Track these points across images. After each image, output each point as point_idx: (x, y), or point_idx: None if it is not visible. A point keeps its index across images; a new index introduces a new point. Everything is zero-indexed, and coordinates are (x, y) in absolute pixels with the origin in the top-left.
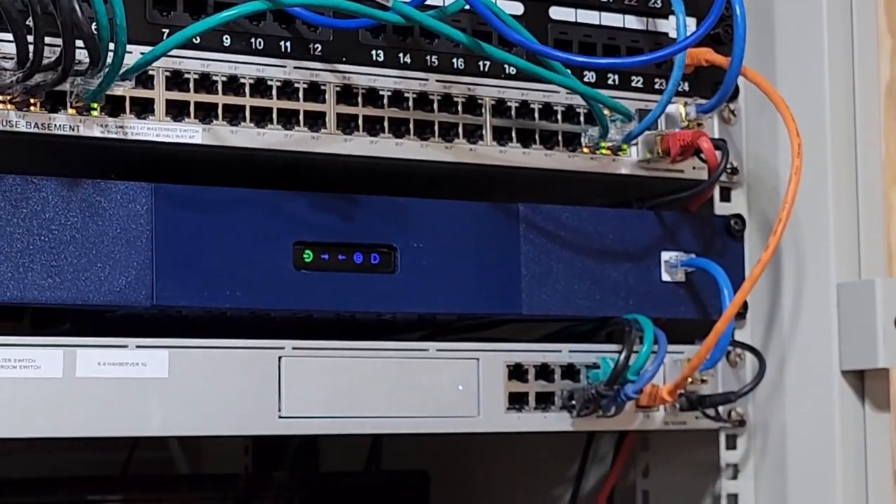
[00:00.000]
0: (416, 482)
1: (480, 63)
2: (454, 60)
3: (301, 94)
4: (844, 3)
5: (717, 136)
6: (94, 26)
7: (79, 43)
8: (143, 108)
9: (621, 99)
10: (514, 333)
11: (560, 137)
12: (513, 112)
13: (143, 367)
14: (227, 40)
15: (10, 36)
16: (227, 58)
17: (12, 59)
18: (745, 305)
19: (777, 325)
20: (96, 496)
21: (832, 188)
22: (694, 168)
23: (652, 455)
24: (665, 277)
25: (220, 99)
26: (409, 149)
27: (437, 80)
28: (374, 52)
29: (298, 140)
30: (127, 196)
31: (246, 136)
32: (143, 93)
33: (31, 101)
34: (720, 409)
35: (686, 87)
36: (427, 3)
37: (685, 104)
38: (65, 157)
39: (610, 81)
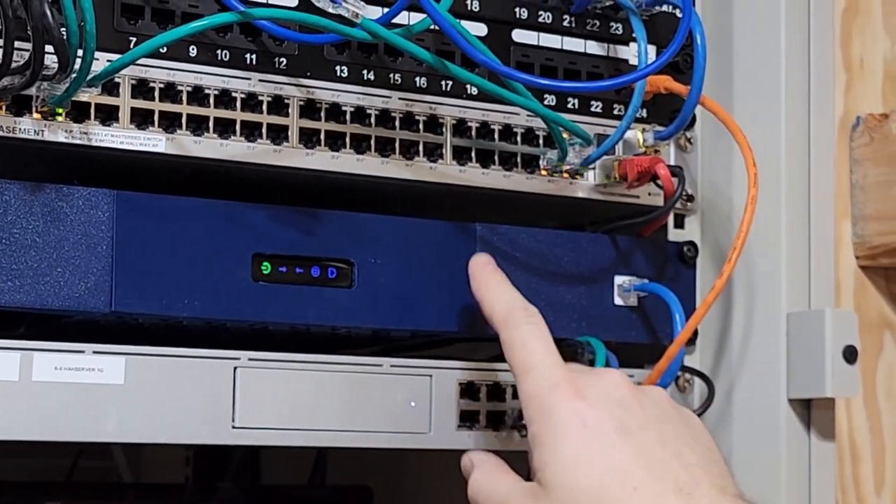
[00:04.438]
0: (360, 498)
1: (443, 82)
2: (417, 79)
3: (265, 107)
4: (802, 37)
5: (673, 163)
6: (63, 31)
7: (48, 48)
8: (108, 116)
9: (580, 123)
10: (465, 353)
11: (519, 159)
12: (473, 132)
13: (99, 372)
14: (192, 51)
15: None
16: (193, 68)
17: None
18: (695, 331)
19: (726, 352)
20: (40, 501)
21: (785, 218)
22: (650, 194)
23: None
24: (618, 301)
25: (185, 109)
26: (370, 165)
27: (399, 98)
28: (338, 67)
29: (261, 152)
30: (89, 202)
31: (209, 147)
32: (108, 100)
33: None
34: None
35: (644, 113)
36: (393, 21)
37: (643, 130)
38: (28, 160)
39: (570, 105)
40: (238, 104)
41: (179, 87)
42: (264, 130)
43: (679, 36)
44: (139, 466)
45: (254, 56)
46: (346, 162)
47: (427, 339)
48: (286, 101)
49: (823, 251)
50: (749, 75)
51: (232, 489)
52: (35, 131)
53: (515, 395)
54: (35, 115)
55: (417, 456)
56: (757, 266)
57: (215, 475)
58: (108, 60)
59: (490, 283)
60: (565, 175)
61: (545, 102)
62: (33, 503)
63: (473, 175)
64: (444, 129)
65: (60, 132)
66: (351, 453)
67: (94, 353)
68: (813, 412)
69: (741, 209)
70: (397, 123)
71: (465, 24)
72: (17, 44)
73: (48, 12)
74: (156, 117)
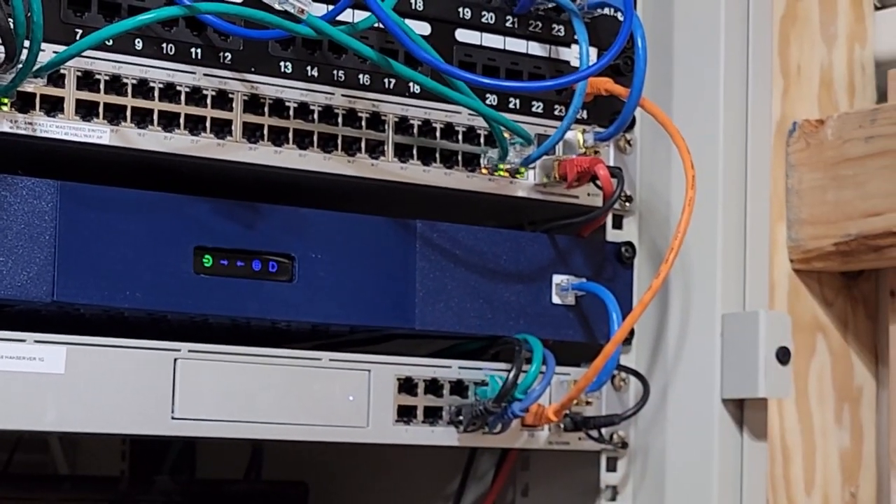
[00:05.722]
0: (296, 493)
1: (386, 80)
2: (360, 76)
3: (209, 101)
4: (741, 42)
5: (612, 164)
6: (10, 22)
7: None
8: (53, 107)
9: (521, 123)
10: (403, 349)
11: (460, 157)
12: (415, 130)
13: (39, 361)
14: (138, 44)
15: None
16: (138, 61)
17: None
18: (631, 331)
19: (662, 352)
20: None
21: (722, 220)
22: (589, 194)
23: (532, 474)
24: (556, 300)
25: (130, 101)
26: (313, 160)
27: (342, 95)
28: (282, 63)
29: (204, 146)
30: (33, 192)
31: (153, 140)
32: (53, 91)
33: None
34: (603, 431)
35: (584, 114)
36: (338, 18)
37: (583, 131)
38: None
39: (511, 105)
40: (182, 98)
41: (125, 80)
42: (208, 124)
43: (620, 38)
44: (75, 460)
45: (199, 50)
46: (289, 157)
47: (366, 334)
48: (230, 95)
49: (759, 254)
50: (688, 79)
51: (168, 482)
52: None
53: (453, 391)
54: None
55: (353, 452)
56: (693, 267)
57: (151, 469)
58: (55, 52)
59: None
60: (506, 174)
61: (487, 102)
62: None
63: (414, 172)
64: (386, 127)
65: (5, 122)
66: (287, 449)
67: (36, 342)
68: (746, 412)
69: (679, 211)
70: (340, 120)
71: (410, 22)
72: None
73: None
74: (100, 109)
